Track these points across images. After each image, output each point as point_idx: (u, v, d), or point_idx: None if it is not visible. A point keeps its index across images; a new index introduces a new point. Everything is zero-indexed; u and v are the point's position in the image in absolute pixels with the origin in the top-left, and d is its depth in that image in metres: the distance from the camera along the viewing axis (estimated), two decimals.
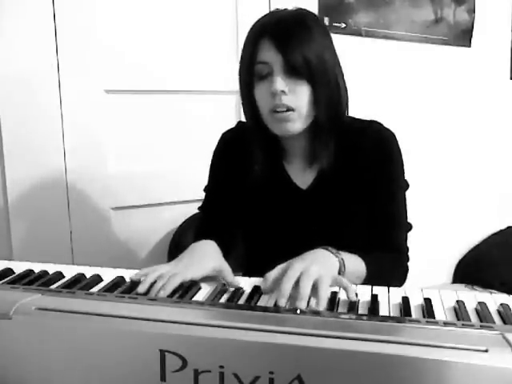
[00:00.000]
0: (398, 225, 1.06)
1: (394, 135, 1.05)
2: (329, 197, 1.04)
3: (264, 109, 0.97)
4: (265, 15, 0.99)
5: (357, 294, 0.79)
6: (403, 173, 1.06)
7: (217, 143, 1.14)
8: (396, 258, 1.06)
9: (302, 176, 1.06)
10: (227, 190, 1.11)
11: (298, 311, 0.69)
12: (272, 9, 1.78)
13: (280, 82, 0.92)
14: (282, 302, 0.74)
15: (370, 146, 1.03)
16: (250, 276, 0.91)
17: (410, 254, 1.07)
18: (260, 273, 0.94)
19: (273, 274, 0.82)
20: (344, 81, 1.01)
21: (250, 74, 0.96)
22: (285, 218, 1.07)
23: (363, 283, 0.93)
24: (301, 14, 0.97)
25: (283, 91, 0.92)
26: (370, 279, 0.94)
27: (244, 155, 1.07)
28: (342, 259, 0.88)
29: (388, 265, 1.03)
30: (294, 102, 0.94)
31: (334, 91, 0.98)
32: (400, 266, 1.07)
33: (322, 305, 0.74)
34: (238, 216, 1.10)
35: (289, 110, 0.94)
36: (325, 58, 0.95)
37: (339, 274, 0.87)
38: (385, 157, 1.04)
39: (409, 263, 1.07)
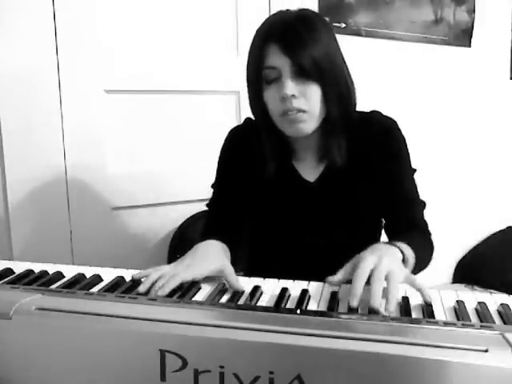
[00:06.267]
0: (417, 203, 1.09)
1: (396, 122, 1.07)
2: (337, 189, 1.05)
3: (275, 112, 0.97)
4: (269, 18, 0.99)
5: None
6: (410, 158, 1.08)
7: (225, 139, 1.14)
8: (424, 234, 1.08)
9: (311, 171, 1.07)
10: (236, 186, 1.10)
11: (298, 311, 0.69)
12: (272, 9, 1.78)
13: (290, 86, 0.92)
14: (354, 303, 0.72)
15: (374, 136, 1.04)
16: (250, 276, 0.91)
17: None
18: (263, 271, 0.94)
19: (343, 271, 0.82)
20: (351, 77, 1.01)
21: (259, 78, 0.96)
22: (294, 213, 1.07)
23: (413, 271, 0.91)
24: (305, 15, 0.96)
25: (293, 95, 0.92)
26: (419, 264, 0.93)
27: (252, 152, 1.07)
28: (407, 255, 0.87)
29: (424, 244, 1.04)
30: (305, 104, 0.94)
31: (343, 89, 0.98)
32: (430, 242, 1.09)
33: (393, 302, 0.71)
34: (246, 213, 1.10)
35: (300, 111, 0.94)
36: (332, 56, 0.95)
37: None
38: (391, 146, 1.05)
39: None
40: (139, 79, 1.66)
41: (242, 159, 1.09)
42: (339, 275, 0.82)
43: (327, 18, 1.91)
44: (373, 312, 0.70)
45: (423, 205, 1.10)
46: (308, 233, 1.06)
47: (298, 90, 0.93)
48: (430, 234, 1.09)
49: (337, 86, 0.96)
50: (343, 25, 1.97)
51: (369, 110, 1.08)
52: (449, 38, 2.22)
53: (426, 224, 1.10)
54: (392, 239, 0.92)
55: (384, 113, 1.08)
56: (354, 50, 2.03)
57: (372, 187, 1.05)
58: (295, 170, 1.07)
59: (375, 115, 1.07)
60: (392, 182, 1.05)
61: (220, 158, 1.14)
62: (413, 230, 1.04)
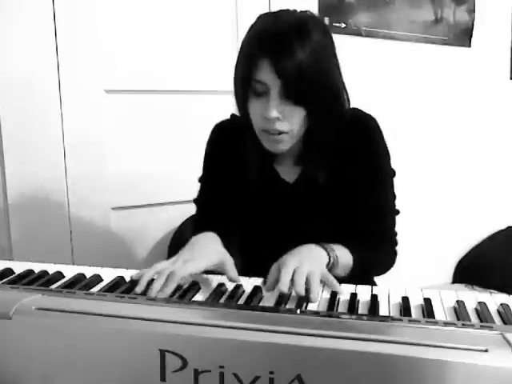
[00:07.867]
0: (387, 212, 1.07)
1: (375, 120, 1.04)
2: (315, 189, 1.04)
3: (256, 126, 0.96)
4: (259, 23, 0.94)
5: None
6: (389, 160, 1.06)
7: (210, 133, 1.14)
8: (385, 243, 1.07)
9: (290, 172, 1.07)
10: (223, 180, 1.10)
11: (298, 311, 0.69)
12: (272, 9, 1.77)
13: (275, 109, 0.89)
14: (285, 289, 0.78)
15: (352, 135, 1.02)
16: (246, 275, 0.91)
17: (398, 238, 1.09)
18: (254, 269, 0.94)
19: (271, 275, 0.85)
20: (345, 87, 0.98)
21: (245, 89, 0.93)
22: (274, 213, 1.07)
23: (353, 273, 0.96)
24: (301, 24, 0.89)
25: (278, 118, 0.90)
26: (359, 268, 0.96)
27: (237, 147, 1.07)
28: (336, 256, 0.91)
29: (377, 251, 1.04)
30: (288, 126, 0.92)
31: (333, 109, 0.96)
32: (389, 251, 1.08)
33: (315, 298, 0.78)
34: (234, 207, 1.10)
35: (281, 133, 0.93)
36: (327, 76, 0.91)
37: (330, 267, 0.90)
38: (369, 146, 1.03)
39: (397, 247, 1.09)
40: (139, 79, 1.66)
41: (227, 155, 1.09)
42: (270, 279, 0.84)
43: (327, 18, 1.92)
44: (301, 300, 0.78)
45: (396, 213, 1.07)
46: (289, 232, 1.05)
47: (282, 113, 0.90)
48: (394, 243, 1.08)
49: (326, 110, 0.94)
50: (343, 25, 1.97)
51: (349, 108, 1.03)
52: (449, 38, 2.22)
53: (394, 234, 1.08)
54: (344, 242, 0.95)
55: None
56: (354, 50, 2.04)
57: (349, 189, 1.03)
58: (275, 171, 1.07)
59: (354, 112, 1.03)
60: (366, 187, 1.03)
61: (206, 152, 1.14)
62: (373, 238, 1.02)
